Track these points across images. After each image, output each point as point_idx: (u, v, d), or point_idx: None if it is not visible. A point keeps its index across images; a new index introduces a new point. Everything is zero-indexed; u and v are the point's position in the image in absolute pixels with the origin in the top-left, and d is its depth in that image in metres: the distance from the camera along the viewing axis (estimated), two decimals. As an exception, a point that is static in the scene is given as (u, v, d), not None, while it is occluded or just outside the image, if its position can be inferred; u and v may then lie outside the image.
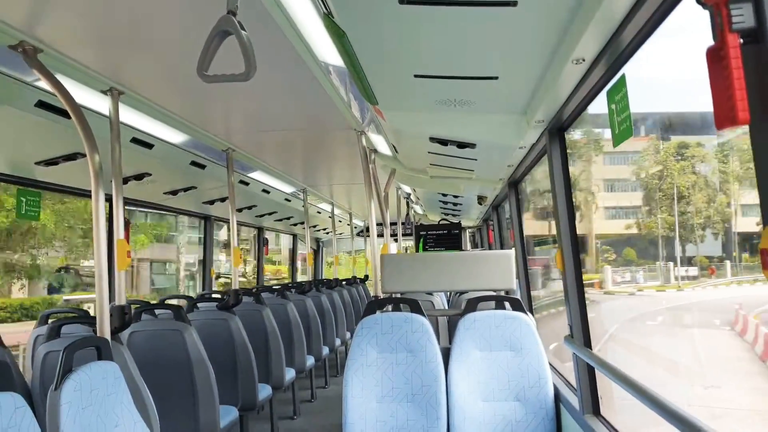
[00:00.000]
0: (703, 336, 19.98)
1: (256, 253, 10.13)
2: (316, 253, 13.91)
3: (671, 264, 27.39)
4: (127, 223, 5.17)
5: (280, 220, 9.62)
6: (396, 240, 10.01)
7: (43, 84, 3.05)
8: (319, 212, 10.27)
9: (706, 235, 27.30)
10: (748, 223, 25.43)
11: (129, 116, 3.83)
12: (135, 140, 4.18)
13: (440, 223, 10.14)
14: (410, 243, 12.26)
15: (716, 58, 1.16)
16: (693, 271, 27.26)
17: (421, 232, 9.79)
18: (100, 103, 3.53)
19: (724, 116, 1.15)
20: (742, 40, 1.14)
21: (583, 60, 2.19)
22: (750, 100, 1.12)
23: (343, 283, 11.03)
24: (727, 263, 26.28)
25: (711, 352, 18.37)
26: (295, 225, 10.63)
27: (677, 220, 27.37)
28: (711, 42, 1.19)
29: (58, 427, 2.31)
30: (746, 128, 1.21)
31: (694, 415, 1.76)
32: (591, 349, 3.09)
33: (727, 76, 1.12)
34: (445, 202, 8.74)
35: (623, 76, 2.11)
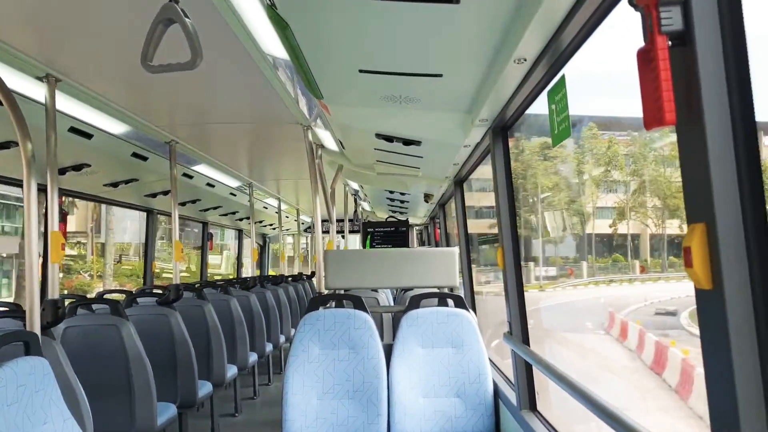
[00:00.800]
0: (579, 342, 19.28)
1: (201, 247, 9.98)
2: (262, 248, 13.78)
3: (531, 264, 27.23)
4: (64, 215, 5.03)
5: (226, 214, 9.48)
6: (343, 237, 9.98)
7: None
8: (266, 207, 10.16)
9: (566, 236, 27.70)
10: (601, 225, 26.09)
11: (67, 105, 3.70)
12: (73, 129, 4.05)
13: (388, 220, 10.16)
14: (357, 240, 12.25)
15: (646, 59, 1.18)
16: (552, 271, 27.20)
17: (369, 229, 9.80)
18: (36, 90, 3.41)
19: (652, 117, 1.17)
20: (670, 43, 1.16)
21: (525, 60, 2.21)
22: (677, 102, 1.15)
23: (289, 279, 10.95)
24: (583, 264, 26.73)
25: (593, 360, 17.51)
26: (240, 220, 10.50)
27: (540, 220, 27.65)
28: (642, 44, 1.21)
29: None
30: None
31: (623, 411, 1.80)
32: (529, 345, 3.14)
33: (656, 78, 1.14)
34: (393, 200, 8.76)
35: (563, 77, 2.14)
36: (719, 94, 1.14)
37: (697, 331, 1.25)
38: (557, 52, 2.10)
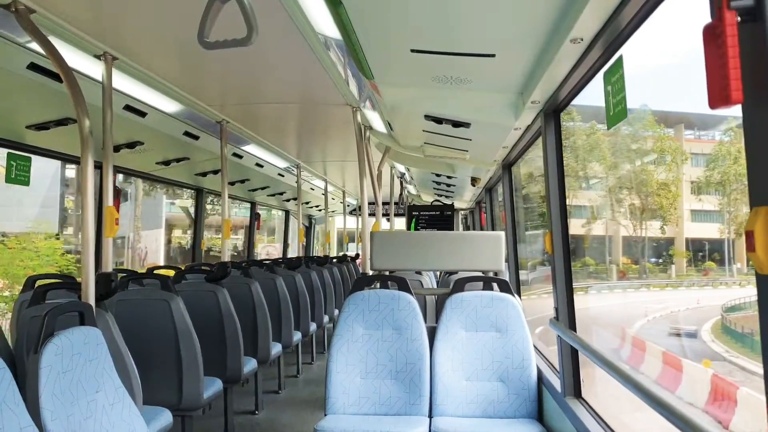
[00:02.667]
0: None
1: (249, 227, 10.12)
2: (308, 229, 13.90)
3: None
4: (117, 192, 5.14)
5: (273, 195, 9.58)
6: (388, 220, 9.99)
7: (36, 46, 3.00)
8: (312, 189, 10.23)
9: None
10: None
11: (123, 83, 3.78)
12: (128, 108, 4.13)
13: (433, 204, 10.12)
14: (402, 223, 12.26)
15: (712, 36, 1.14)
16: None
17: (414, 213, 9.78)
18: (94, 68, 3.49)
19: (717, 95, 1.13)
20: (739, 18, 1.12)
21: (581, 40, 2.16)
22: (744, 80, 1.11)
23: (334, 260, 11.03)
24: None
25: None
26: (287, 201, 10.60)
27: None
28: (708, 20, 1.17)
29: (38, 391, 2.30)
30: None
31: (675, 400, 1.77)
32: (575, 331, 3.10)
33: (723, 55, 1.10)
34: (439, 183, 8.72)
35: (620, 58, 2.09)
36: None
37: (744, 362, 1.18)
38: (615, 32, 2.05)
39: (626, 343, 17.25)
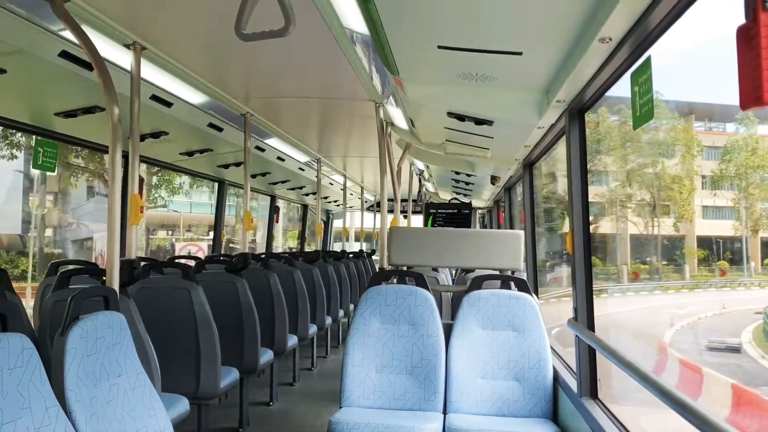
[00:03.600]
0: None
1: (268, 220, 10.18)
2: (326, 224, 13.95)
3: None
4: (141, 181, 5.20)
5: (293, 189, 9.63)
6: (406, 216, 10.00)
7: (68, 34, 3.05)
8: (331, 184, 10.27)
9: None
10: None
11: (150, 73, 3.83)
12: (154, 98, 4.18)
13: (451, 202, 10.11)
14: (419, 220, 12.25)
15: (746, 37, 1.14)
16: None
17: (431, 210, 9.77)
18: (123, 58, 3.54)
19: (749, 96, 1.13)
20: None
21: (610, 39, 2.16)
22: (778, 81, 1.11)
23: (350, 255, 11.06)
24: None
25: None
26: (306, 195, 10.64)
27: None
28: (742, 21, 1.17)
29: (63, 372, 2.34)
30: None
31: (695, 401, 1.76)
32: (594, 332, 3.09)
33: (756, 56, 1.11)
34: (458, 181, 8.71)
35: (649, 58, 2.09)
36: None
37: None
38: (644, 33, 2.05)
39: (669, 362, 14.42)
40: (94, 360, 2.54)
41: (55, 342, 2.42)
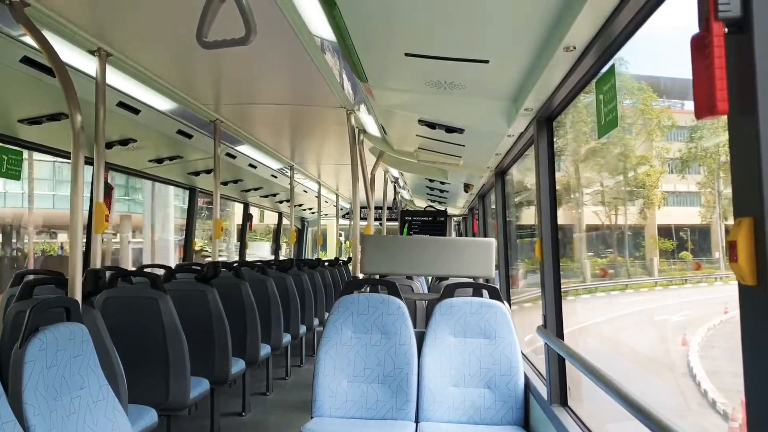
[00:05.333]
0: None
1: (241, 227, 10.10)
2: (300, 232, 13.89)
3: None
4: (110, 189, 5.12)
5: (266, 196, 9.57)
6: (381, 224, 9.99)
7: (30, 40, 2.99)
8: (306, 191, 10.23)
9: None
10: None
11: (117, 80, 3.77)
12: (122, 104, 4.12)
13: (426, 209, 10.13)
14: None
15: (700, 46, 1.14)
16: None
17: (407, 218, 9.78)
18: (88, 64, 3.48)
19: (703, 106, 1.14)
20: (726, 30, 1.12)
21: (574, 48, 2.17)
22: (730, 91, 1.11)
23: (326, 264, 11.01)
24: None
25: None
26: (281, 202, 10.58)
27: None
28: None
29: (21, 385, 2.29)
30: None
31: (660, 411, 1.76)
32: (563, 339, 3.10)
33: (709, 65, 1.11)
34: (432, 189, 8.73)
35: (612, 66, 2.10)
36: None
37: None
38: (608, 41, 2.06)
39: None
40: (54, 372, 2.48)
41: (13, 354, 2.36)
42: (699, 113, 1.15)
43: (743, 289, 1.18)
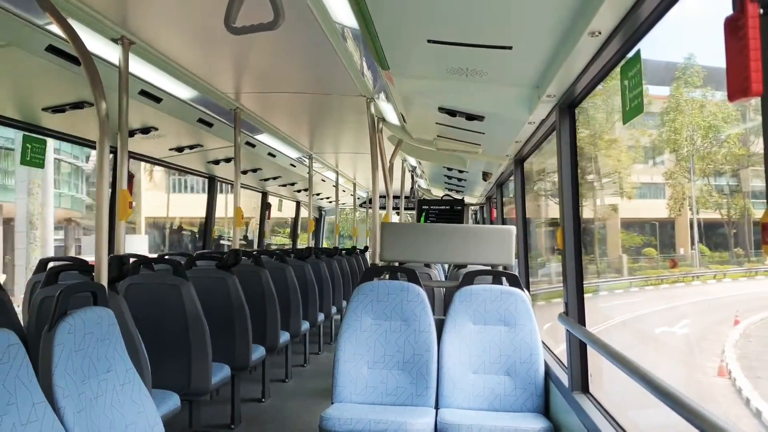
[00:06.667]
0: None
1: (260, 217, 10.15)
2: (318, 221, 13.93)
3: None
4: (131, 177, 5.18)
5: (284, 185, 9.61)
6: (398, 213, 9.99)
7: (55, 28, 3.02)
8: (323, 180, 10.25)
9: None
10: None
11: (139, 68, 3.80)
12: (143, 93, 4.15)
13: (443, 198, 10.11)
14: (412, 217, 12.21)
15: (734, 28, 1.14)
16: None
17: (424, 207, 9.76)
18: (111, 52, 3.50)
19: (737, 88, 1.13)
20: (762, 11, 1.12)
21: (600, 33, 2.16)
22: (765, 72, 1.11)
23: (343, 252, 11.04)
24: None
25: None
26: (298, 191, 10.62)
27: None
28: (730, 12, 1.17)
29: (51, 367, 2.33)
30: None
31: (686, 393, 1.76)
32: (585, 326, 3.10)
33: (744, 47, 1.10)
34: (450, 177, 8.72)
35: (638, 51, 2.08)
36: None
37: None
38: (634, 26, 2.04)
39: None
40: (83, 355, 2.52)
41: (43, 337, 2.40)
42: (732, 95, 1.15)
43: None
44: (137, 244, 21.99)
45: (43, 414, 2.14)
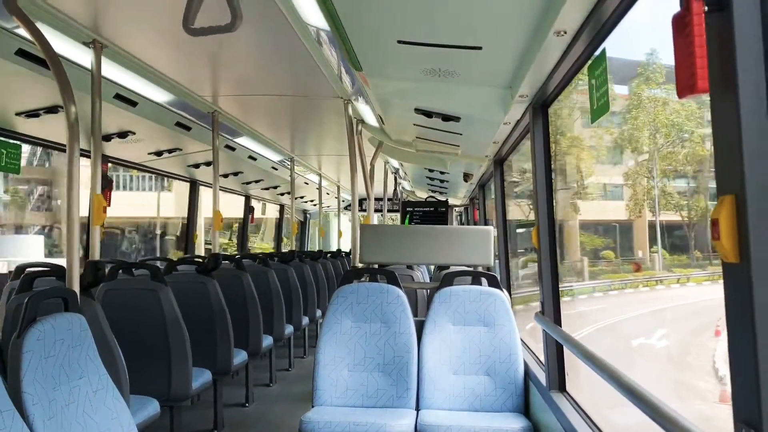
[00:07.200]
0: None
1: (242, 220, 10.12)
2: (302, 224, 13.91)
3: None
4: (110, 182, 5.14)
5: (267, 188, 9.58)
6: (381, 215, 9.98)
7: (25, 32, 2.99)
8: (307, 183, 10.23)
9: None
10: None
11: (113, 71, 3.77)
12: (118, 96, 4.13)
13: (427, 200, 10.12)
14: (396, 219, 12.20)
15: (680, 25, 1.15)
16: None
17: (408, 209, 9.78)
18: (83, 56, 3.48)
19: (684, 84, 1.14)
20: (706, 8, 1.13)
21: (565, 32, 2.17)
22: (711, 69, 1.12)
23: (327, 255, 11.02)
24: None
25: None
26: (282, 195, 10.59)
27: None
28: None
29: (19, 375, 2.30)
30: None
31: (656, 395, 1.76)
32: (560, 326, 3.11)
33: (690, 44, 1.11)
34: (433, 179, 8.72)
35: (604, 50, 2.10)
36: (756, 62, 1.09)
37: None
38: (598, 24, 2.05)
39: None
40: (53, 362, 2.50)
41: (11, 344, 2.37)
42: (681, 92, 1.16)
43: (726, 267, 1.18)
44: (27, 247, 18.76)
45: (11, 422, 2.11)
